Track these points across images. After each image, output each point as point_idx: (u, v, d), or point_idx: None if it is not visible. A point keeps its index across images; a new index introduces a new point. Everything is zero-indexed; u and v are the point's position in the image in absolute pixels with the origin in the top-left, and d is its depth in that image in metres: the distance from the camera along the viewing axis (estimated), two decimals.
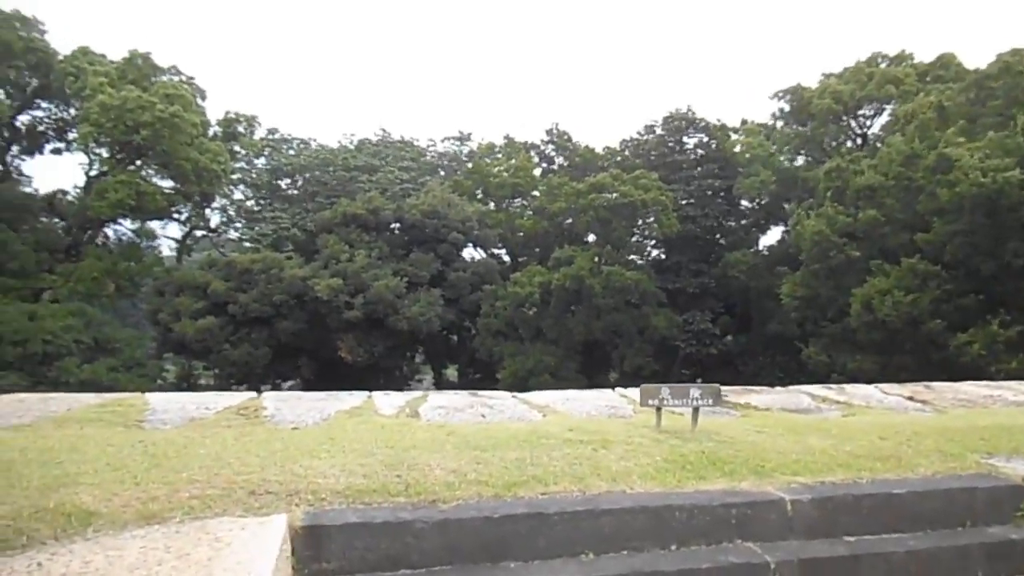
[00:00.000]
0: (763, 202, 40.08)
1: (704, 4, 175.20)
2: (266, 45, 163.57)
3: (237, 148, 42.16)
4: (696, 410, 4.76)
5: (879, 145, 31.20)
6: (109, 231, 38.62)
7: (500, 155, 43.16)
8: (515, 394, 6.62)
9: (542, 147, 44.12)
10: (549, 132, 43.59)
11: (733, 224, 41.92)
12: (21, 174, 38.21)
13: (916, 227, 24.61)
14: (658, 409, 4.77)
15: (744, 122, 42.63)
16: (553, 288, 32.95)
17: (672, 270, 39.04)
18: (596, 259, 33.32)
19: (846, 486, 3.88)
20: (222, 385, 34.48)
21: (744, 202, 41.40)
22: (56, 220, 37.10)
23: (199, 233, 44.74)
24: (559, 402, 6.12)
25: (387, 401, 5.94)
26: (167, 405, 5.43)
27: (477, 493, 3.50)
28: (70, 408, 5.14)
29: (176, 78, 38.14)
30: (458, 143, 50.40)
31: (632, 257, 40.06)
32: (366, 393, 6.28)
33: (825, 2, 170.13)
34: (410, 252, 35.69)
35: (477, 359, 37.21)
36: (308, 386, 32.36)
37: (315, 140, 47.88)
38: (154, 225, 40.30)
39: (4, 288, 31.15)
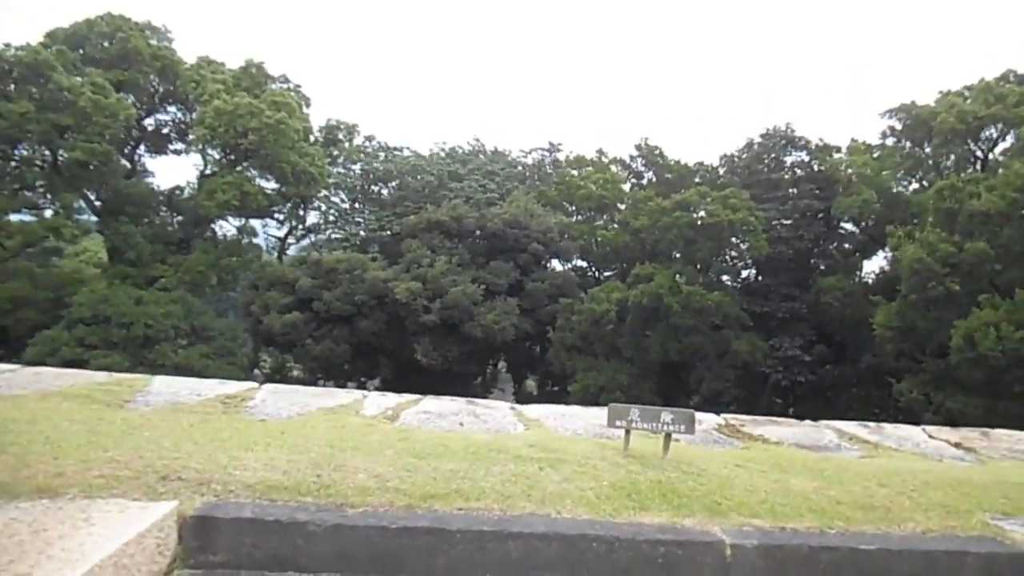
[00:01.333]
0: (867, 225, 37.44)
1: (813, 25, 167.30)
2: (375, 57, 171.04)
3: (336, 153, 44.28)
4: (668, 436, 4.41)
5: (1000, 171, 28.39)
6: (216, 227, 41.42)
7: (590, 168, 42.81)
8: (513, 406, 6.44)
9: (629, 162, 43.38)
10: (638, 147, 42.80)
11: (832, 248, 39.49)
12: (146, 171, 41.81)
13: None
14: (627, 431, 4.46)
15: (853, 141, 40.06)
16: (630, 305, 32.15)
17: (762, 293, 37.15)
18: (677, 277, 32.22)
19: (806, 535, 3.43)
20: (309, 379, 36.06)
21: (846, 225, 38.90)
22: (174, 215, 40.20)
23: (300, 232, 47.35)
24: (552, 417, 5.88)
25: (377, 402, 5.90)
26: (163, 389, 5.64)
27: (390, 501, 3.37)
28: (73, 384, 5.42)
29: (285, 86, 40.53)
30: (548, 154, 50.51)
31: (724, 278, 38.53)
32: (362, 392, 6.28)
33: (931, 21, 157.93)
34: (490, 260, 35.98)
35: (551, 372, 36.94)
36: (387, 385, 33.20)
37: (408, 148, 49.47)
38: (256, 223, 42.84)
39: (121, 275, 34.04)
